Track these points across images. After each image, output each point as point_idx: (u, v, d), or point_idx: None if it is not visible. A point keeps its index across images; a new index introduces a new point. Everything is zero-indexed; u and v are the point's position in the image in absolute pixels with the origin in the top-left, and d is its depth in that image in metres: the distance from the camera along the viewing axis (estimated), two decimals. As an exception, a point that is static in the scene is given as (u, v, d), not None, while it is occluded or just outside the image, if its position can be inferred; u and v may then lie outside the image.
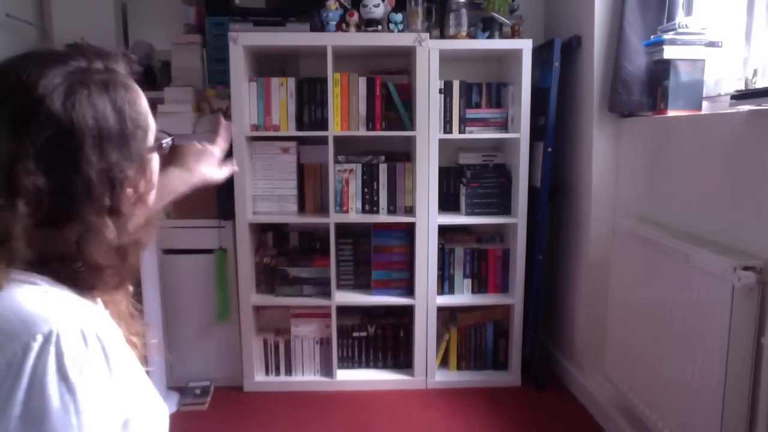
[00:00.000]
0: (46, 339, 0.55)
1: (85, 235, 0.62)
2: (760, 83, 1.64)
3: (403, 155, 2.43)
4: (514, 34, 2.29)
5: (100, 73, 0.65)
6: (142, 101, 0.70)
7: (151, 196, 0.74)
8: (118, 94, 0.65)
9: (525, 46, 2.24)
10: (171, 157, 0.97)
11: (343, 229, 2.43)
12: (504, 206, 2.40)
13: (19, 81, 0.60)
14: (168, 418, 0.77)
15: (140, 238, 0.69)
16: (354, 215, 2.36)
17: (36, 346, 0.54)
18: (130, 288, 0.77)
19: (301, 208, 2.40)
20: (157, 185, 0.76)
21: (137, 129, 0.67)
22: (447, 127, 2.33)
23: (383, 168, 2.35)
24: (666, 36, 1.82)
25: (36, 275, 0.61)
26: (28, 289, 0.59)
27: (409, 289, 2.39)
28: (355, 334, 2.44)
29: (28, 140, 0.58)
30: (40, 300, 0.59)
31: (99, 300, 0.71)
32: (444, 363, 2.49)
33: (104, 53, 0.68)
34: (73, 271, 0.62)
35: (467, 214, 2.39)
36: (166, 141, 0.75)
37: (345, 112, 2.27)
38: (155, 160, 0.74)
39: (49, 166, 0.59)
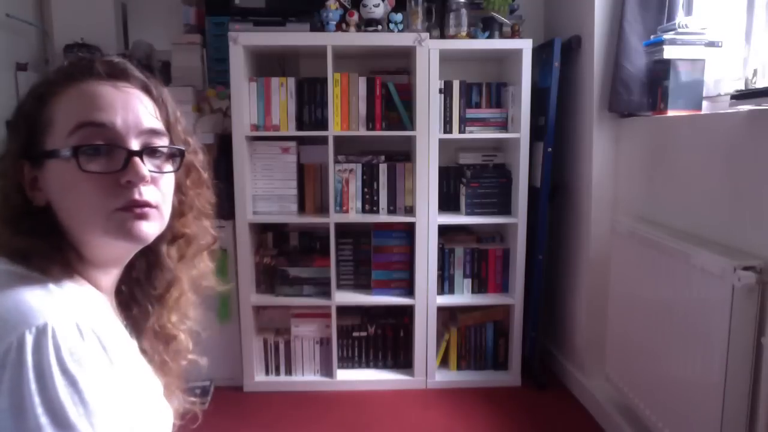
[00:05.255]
0: (41, 331, 0.55)
1: None
2: (760, 83, 1.64)
3: (403, 155, 2.43)
4: (514, 34, 2.29)
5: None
6: (60, 100, 0.66)
7: (67, 213, 0.66)
8: (36, 88, 0.68)
9: (525, 46, 2.24)
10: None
11: (343, 229, 2.43)
12: (504, 206, 2.40)
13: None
14: (171, 418, 0.77)
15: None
16: (354, 215, 2.35)
17: (30, 338, 0.54)
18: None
19: (301, 208, 2.40)
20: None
21: (23, 122, 0.67)
22: (447, 127, 2.33)
23: (383, 168, 2.35)
24: (666, 36, 1.82)
25: (36, 273, 0.62)
26: (31, 284, 0.60)
27: (409, 289, 2.39)
28: (355, 334, 2.43)
29: None
30: (39, 293, 0.59)
31: (107, 299, 0.72)
32: (444, 363, 2.49)
33: (81, 58, 0.71)
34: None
35: (467, 214, 2.39)
36: (63, 152, 0.63)
37: (345, 112, 2.27)
38: (60, 171, 0.64)
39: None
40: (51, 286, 0.61)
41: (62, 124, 0.64)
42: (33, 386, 0.53)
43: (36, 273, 0.62)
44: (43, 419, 0.52)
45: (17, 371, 0.53)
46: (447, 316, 2.51)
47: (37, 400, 0.52)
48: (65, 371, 0.54)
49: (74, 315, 0.58)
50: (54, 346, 0.55)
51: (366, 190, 2.36)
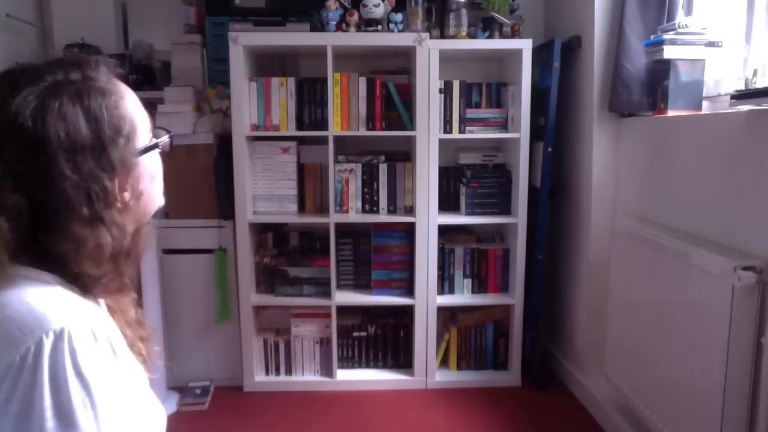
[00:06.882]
0: (58, 336, 0.56)
1: (70, 246, 0.63)
2: (760, 83, 1.64)
3: (403, 155, 2.43)
4: (514, 34, 2.29)
5: (75, 84, 0.65)
6: (126, 104, 0.69)
7: (145, 201, 0.73)
8: (93, 101, 0.64)
9: (525, 46, 2.24)
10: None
11: (343, 229, 2.43)
12: (504, 206, 2.40)
13: None
14: (165, 422, 0.77)
15: (130, 247, 0.69)
16: (354, 215, 2.35)
17: (48, 343, 0.56)
18: (134, 295, 0.78)
19: (301, 208, 2.40)
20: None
21: (117, 136, 0.66)
22: (447, 127, 2.33)
23: (383, 168, 2.35)
24: (666, 36, 1.82)
25: (47, 273, 0.63)
26: (40, 287, 0.61)
27: (409, 289, 2.39)
28: (355, 334, 2.43)
29: (4, 160, 0.60)
30: (52, 298, 0.61)
31: (102, 303, 0.73)
32: (444, 363, 2.49)
33: (82, 62, 0.67)
34: (74, 274, 0.64)
35: (467, 214, 2.39)
36: (162, 140, 0.75)
37: (345, 112, 2.27)
38: (149, 161, 0.73)
39: (26, 183, 0.60)
40: (59, 288, 0.62)
41: (142, 122, 0.72)
42: (47, 390, 0.55)
43: (46, 276, 0.63)
44: (51, 423, 0.54)
45: (33, 376, 0.55)
46: (447, 316, 2.51)
47: (48, 402, 0.54)
48: (80, 374, 0.56)
49: (89, 320, 0.60)
50: (70, 351, 0.56)
51: (366, 190, 2.36)
